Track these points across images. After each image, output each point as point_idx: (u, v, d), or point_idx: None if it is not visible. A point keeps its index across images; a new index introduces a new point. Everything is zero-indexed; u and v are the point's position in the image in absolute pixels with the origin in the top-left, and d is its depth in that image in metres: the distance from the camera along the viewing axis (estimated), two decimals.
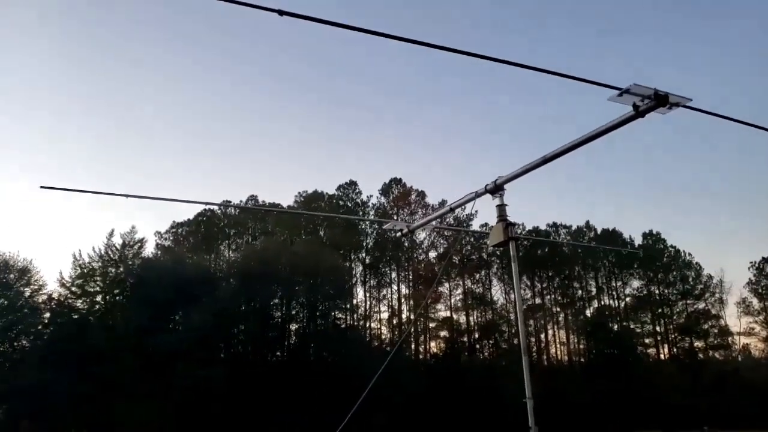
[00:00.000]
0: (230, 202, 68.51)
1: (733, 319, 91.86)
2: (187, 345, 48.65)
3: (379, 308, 71.39)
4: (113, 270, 59.14)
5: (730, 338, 78.43)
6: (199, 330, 49.52)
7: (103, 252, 59.04)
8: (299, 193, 71.97)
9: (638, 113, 3.99)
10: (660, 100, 3.87)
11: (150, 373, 47.13)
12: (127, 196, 7.00)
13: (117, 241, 59.95)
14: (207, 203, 59.04)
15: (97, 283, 58.43)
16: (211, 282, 55.96)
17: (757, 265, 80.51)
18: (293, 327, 62.60)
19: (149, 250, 64.83)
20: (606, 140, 4.39)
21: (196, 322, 50.34)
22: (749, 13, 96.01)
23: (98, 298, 58.88)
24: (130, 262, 59.94)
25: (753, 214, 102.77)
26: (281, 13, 3.22)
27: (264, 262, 55.73)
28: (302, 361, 56.93)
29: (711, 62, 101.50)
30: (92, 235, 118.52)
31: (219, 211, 70.94)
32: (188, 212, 72.53)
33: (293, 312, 62.09)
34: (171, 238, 69.96)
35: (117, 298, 59.04)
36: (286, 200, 75.07)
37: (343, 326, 63.58)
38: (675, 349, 78.80)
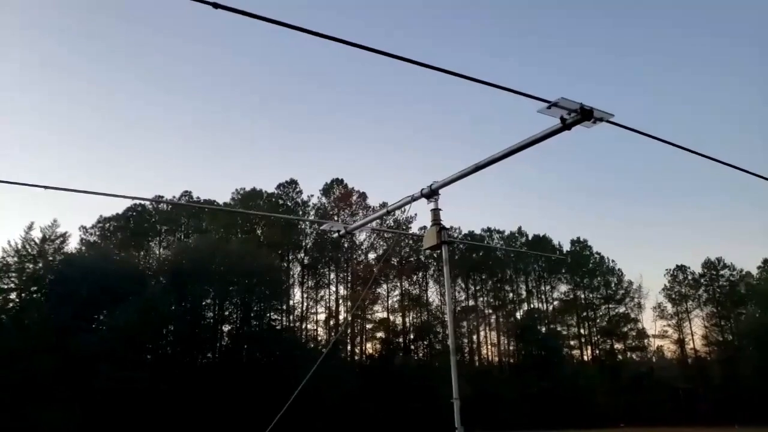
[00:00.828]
0: (162, 197, 66.41)
1: (649, 322, 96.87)
2: (111, 346, 46.60)
3: (317, 309, 71.08)
4: (31, 266, 55.91)
5: (646, 340, 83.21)
6: (125, 330, 47.51)
7: (20, 246, 55.73)
8: (236, 190, 70.62)
9: (565, 126, 4.10)
10: (585, 115, 4.00)
11: (69, 375, 44.82)
12: (47, 187, 6.58)
13: (36, 235, 56.85)
14: (137, 198, 56.48)
15: (12, 279, 55.01)
16: (139, 280, 53.87)
17: (671, 272, 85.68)
18: (226, 328, 61.19)
19: (73, 245, 61.95)
20: (538, 149, 4.60)
21: (121, 321, 48.28)
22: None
23: (12, 296, 55.42)
24: (50, 258, 56.81)
25: (669, 225, 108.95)
26: (216, 6, 3.10)
27: (197, 261, 54.29)
28: (235, 362, 55.78)
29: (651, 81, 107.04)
30: (8, 228, 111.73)
31: (150, 207, 68.63)
32: (117, 206, 69.47)
33: (226, 313, 60.73)
34: (97, 233, 66.81)
35: (34, 295, 55.76)
36: (223, 197, 73.51)
37: (278, 327, 62.78)
38: (597, 351, 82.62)
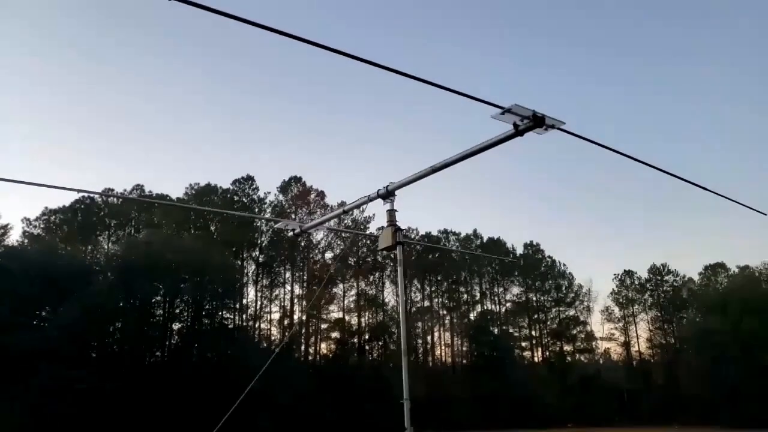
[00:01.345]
0: (112, 190, 64.36)
1: (597, 325, 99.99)
2: (53, 343, 44.81)
3: (271, 309, 70.19)
4: None
5: (594, 343, 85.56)
6: (69, 327, 45.79)
7: None
8: (191, 185, 68.97)
9: (518, 132, 4.15)
10: (537, 122, 4.05)
11: (7, 374, 42.86)
12: None
13: None
14: (85, 191, 54.34)
15: None
16: (86, 275, 52.00)
17: (619, 277, 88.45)
18: (176, 326, 59.70)
19: (14, 237, 59.52)
20: (497, 152, 4.64)
21: (65, 318, 46.54)
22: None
23: None
24: None
25: (618, 231, 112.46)
26: None
27: (147, 256, 52.76)
28: (184, 361, 54.55)
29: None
30: None
31: (99, 200, 66.41)
32: (63, 199, 67.04)
33: (177, 310, 59.24)
34: (42, 225, 64.28)
35: None
36: (176, 192, 71.81)
37: (230, 326, 61.72)
38: (547, 353, 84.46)
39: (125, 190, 66.70)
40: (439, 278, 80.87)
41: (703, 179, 5.33)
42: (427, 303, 79.65)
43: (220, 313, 61.34)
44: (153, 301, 57.65)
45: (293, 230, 7.64)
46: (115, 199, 65.92)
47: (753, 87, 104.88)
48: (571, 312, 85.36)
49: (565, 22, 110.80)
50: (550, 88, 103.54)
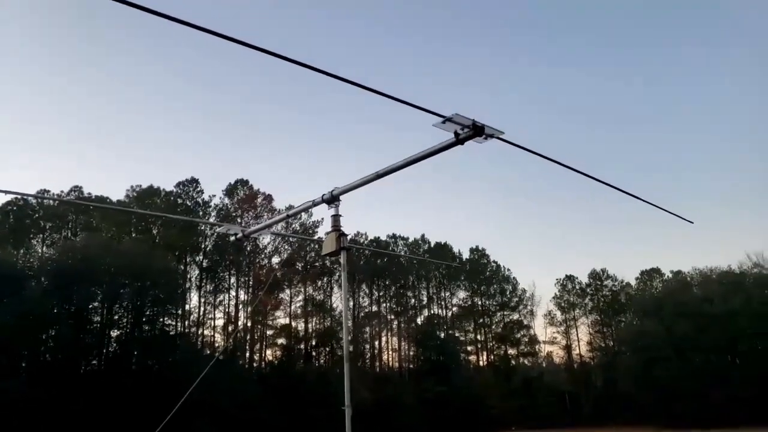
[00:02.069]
0: (48, 191, 61.60)
1: (540, 329, 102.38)
2: None
3: (214, 315, 68.64)
4: None
5: (537, 346, 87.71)
6: None
7: None
8: (132, 186, 66.64)
9: (458, 140, 4.24)
10: (477, 130, 4.16)
11: None
12: None
13: None
14: (17, 193, 51.52)
15: None
16: (17, 281, 49.41)
17: (561, 281, 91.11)
18: (114, 333, 57.52)
19: None
20: (443, 159, 4.71)
21: None
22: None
23: None
24: None
25: (560, 237, 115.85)
26: None
27: (85, 261, 50.71)
28: (123, 370, 52.59)
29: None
30: None
31: (34, 201, 63.31)
32: None
33: (116, 317, 57.07)
34: None
35: None
36: (117, 194, 69.50)
37: (172, 333, 59.99)
38: (492, 356, 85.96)
39: (62, 192, 64.06)
40: (387, 283, 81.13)
41: (638, 189, 5.54)
42: (375, 308, 79.77)
43: (161, 320, 59.51)
44: (90, 307, 55.31)
45: (235, 235, 7.48)
46: (51, 201, 63.10)
47: (686, 100, 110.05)
48: (515, 316, 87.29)
49: (509, 34, 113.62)
50: (497, 99, 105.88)
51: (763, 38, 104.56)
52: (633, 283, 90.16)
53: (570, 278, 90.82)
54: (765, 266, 72.34)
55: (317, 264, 72.15)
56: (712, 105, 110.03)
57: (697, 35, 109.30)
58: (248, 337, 67.54)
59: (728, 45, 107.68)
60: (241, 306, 68.90)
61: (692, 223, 6.76)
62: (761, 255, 72.57)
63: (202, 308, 67.51)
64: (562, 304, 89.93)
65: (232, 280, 70.02)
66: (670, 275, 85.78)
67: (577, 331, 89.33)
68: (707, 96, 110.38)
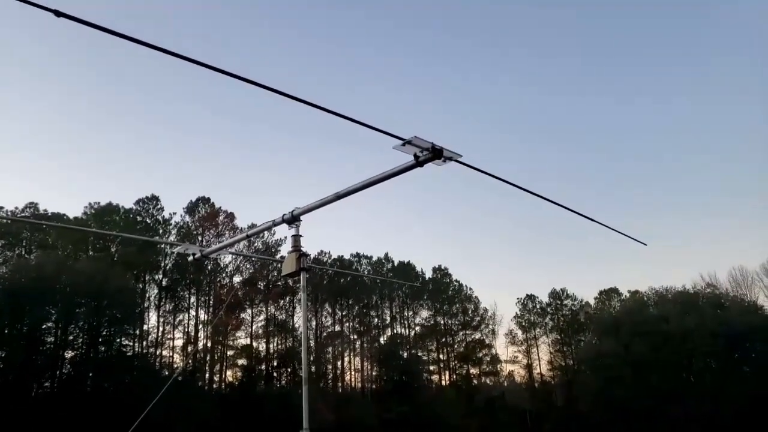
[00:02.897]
0: (1, 208, 59.67)
1: (501, 348, 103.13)
2: None
3: (174, 335, 67.04)
4: None
5: (499, 365, 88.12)
6: None
7: None
8: (90, 204, 65.12)
9: (418, 163, 4.33)
10: (436, 153, 4.25)
11: None
12: None
13: None
14: None
15: None
16: None
17: (522, 300, 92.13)
18: (69, 354, 55.64)
19: None
20: (405, 179, 4.77)
21: None
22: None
23: None
24: None
25: (521, 257, 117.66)
26: (58, 14, 2.94)
27: (38, 280, 49.09)
28: (77, 392, 50.83)
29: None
30: None
31: None
32: None
33: (70, 337, 55.24)
34: None
35: None
36: (75, 211, 67.67)
37: (129, 354, 58.40)
38: (455, 376, 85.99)
39: (16, 209, 62.01)
40: (350, 302, 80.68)
41: (595, 211, 5.85)
42: (338, 327, 79.11)
43: (118, 340, 57.87)
44: (44, 327, 53.53)
45: (194, 255, 7.37)
46: (4, 219, 61.11)
47: (641, 121, 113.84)
48: (477, 335, 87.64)
49: (468, 56, 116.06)
50: (458, 121, 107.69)
51: (714, 56, 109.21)
52: (592, 302, 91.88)
53: (530, 297, 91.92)
54: (717, 287, 74.91)
55: (279, 283, 71.30)
56: (666, 125, 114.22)
57: (654, 54, 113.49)
58: (208, 358, 66.20)
59: (675, 64, 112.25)
60: (201, 325, 67.64)
61: (645, 245, 6.99)
62: (713, 276, 75.12)
63: (160, 328, 65.99)
64: (523, 324, 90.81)
65: (192, 299, 68.75)
66: (628, 295, 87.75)
67: (537, 350, 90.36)
68: (662, 116, 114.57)
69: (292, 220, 5.76)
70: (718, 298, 72.97)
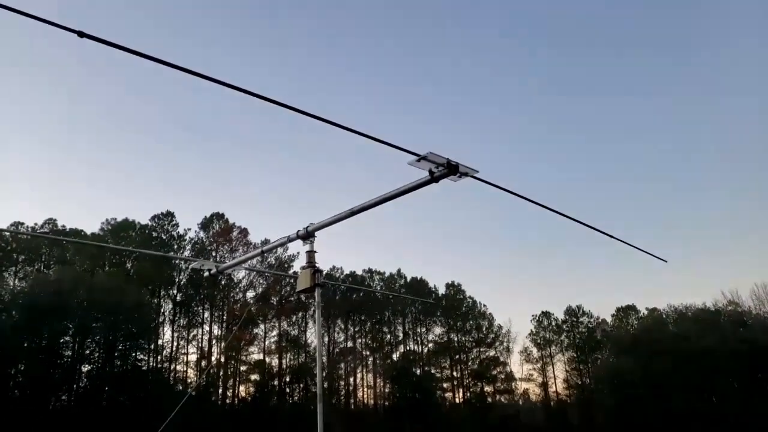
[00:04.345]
0: (22, 224, 60.81)
1: (516, 365, 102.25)
2: None
3: (188, 350, 67.36)
4: None
5: (513, 383, 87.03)
6: None
7: None
8: (107, 220, 66.13)
9: (433, 179, 4.29)
10: (451, 169, 4.20)
11: None
12: None
13: None
14: None
15: None
16: None
17: (537, 318, 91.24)
18: (86, 368, 56.19)
19: None
20: (418, 195, 4.72)
21: None
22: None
23: None
24: None
25: (536, 273, 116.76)
26: (81, 35, 3.01)
27: (57, 294, 49.81)
28: (94, 406, 51.22)
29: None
30: None
31: (7, 234, 62.26)
32: None
33: (87, 351, 55.86)
34: None
35: None
36: (92, 227, 68.58)
37: (144, 368, 58.77)
38: (468, 393, 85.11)
39: (36, 225, 63.23)
40: (362, 318, 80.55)
41: (613, 227, 5.73)
42: (350, 343, 78.96)
43: (133, 355, 58.35)
44: (61, 341, 54.20)
45: (209, 270, 7.41)
46: (24, 235, 62.16)
47: (661, 139, 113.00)
48: (492, 353, 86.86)
49: (484, 75, 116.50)
50: (472, 138, 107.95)
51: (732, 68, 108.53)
52: (609, 319, 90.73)
53: (546, 314, 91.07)
54: (740, 304, 73.30)
55: (292, 299, 71.57)
56: (685, 143, 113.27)
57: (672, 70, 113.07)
58: (221, 373, 66.33)
59: (697, 81, 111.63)
60: (214, 341, 67.92)
61: (666, 261, 6.84)
62: (736, 293, 73.53)
63: (175, 343, 66.39)
64: (538, 341, 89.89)
65: (206, 314, 69.12)
66: (646, 312, 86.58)
67: (553, 368, 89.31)
68: (681, 134, 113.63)
69: (307, 236, 5.79)
70: (740, 315, 71.33)
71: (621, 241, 6.08)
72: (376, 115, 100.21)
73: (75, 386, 54.90)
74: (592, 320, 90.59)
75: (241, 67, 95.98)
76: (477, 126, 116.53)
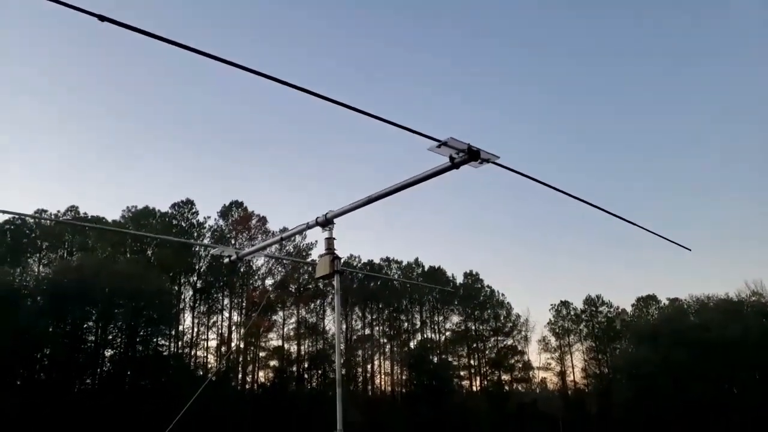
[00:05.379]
0: (45, 211, 61.84)
1: (534, 354, 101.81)
2: None
3: (208, 336, 68.29)
4: None
5: (531, 372, 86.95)
6: None
7: None
8: (128, 207, 66.92)
9: (453, 165, 4.20)
10: (472, 155, 4.10)
11: None
12: None
13: None
14: (15, 213, 51.71)
15: None
16: (13, 299, 49.42)
17: (556, 307, 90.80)
18: (108, 352, 57.37)
19: None
20: (437, 183, 4.63)
21: None
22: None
23: None
24: None
25: (555, 262, 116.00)
26: (102, 18, 3.00)
27: (80, 281, 50.71)
28: (117, 389, 52.33)
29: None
30: None
31: (31, 221, 63.44)
32: None
33: (110, 336, 56.98)
34: None
35: None
36: (112, 215, 69.64)
37: (165, 353, 59.76)
38: (485, 382, 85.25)
39: (59, 212, 64.27)
40: (380, 306, 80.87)
41: (635, 215, 5.60)
42: (367, 331, 79.41)
43: (155, 340, 59.30)
44: (85, 326, 55.34)
45: (229, 257, 7.45)
46: (48, 221, 63.27)
47: (688, 127, 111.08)
48: (509, 341, 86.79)
49: (507, 60, 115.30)
50: (492, 124, 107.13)
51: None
52: (629, 309, 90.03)
53: (565, 304, 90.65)
54: (764, 295, 72.07)
55: (310, 286, 72.04)
56: (711, 132, 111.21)
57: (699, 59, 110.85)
58: (241, 359, 67.17)
59: (729, 67, 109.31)
60: (234, 327, 68.75)
61: (690, 250, 6.68)
62: (760, 283, 72.27)
63: (195, 329, 67.35)
64: (557, 330, 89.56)
65: (226, 301, 69.92)
66: (667, 302, 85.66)
67: (571, 357, 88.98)
68: (708, 123, 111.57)
69: (326, 223, 5.76)
70: (764, 306, 70.09)
71: (645, 229, 5.93)
72: (396, 101, 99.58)
73: (98, 370, 56.13)
74: (611, 310, 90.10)
75: (257, 51, 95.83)
76: (498, 112, 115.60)
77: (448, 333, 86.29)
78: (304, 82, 3.59)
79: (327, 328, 73.18)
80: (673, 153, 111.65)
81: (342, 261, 5.93)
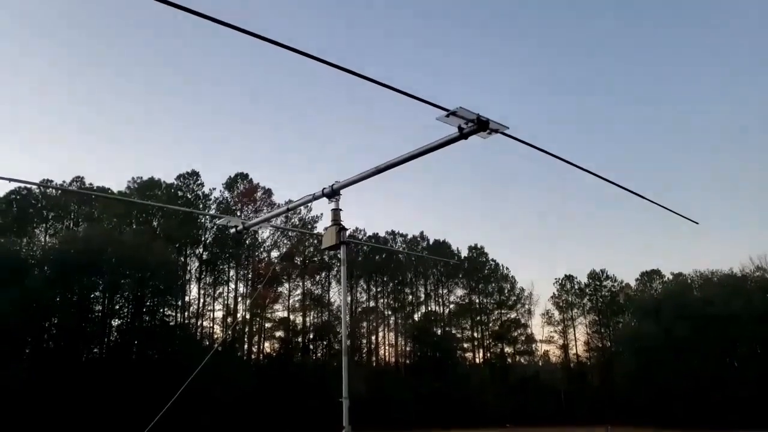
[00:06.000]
0: (51, 181, 61.80)
1: (537, 328, 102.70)
2: None
3: (214, 307, 68.91)
4: None
5: (534, 345, 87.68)
6: (1, 322, 43.86)
7: None
8: (133, 178, 66.76)
9: (462, 135, 4.17)
10: (481, 125, 4.08)
11: None
12: None
13: None
14: (22, 181, 52.11)
15: None
16: (20, 269, 49.77)
17: (560, 281, 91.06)
18: (115, 322, 57.97)
19: None
20: (442, 155, 4.59)
21: None
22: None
23: None
24: None
25: (560, 236, 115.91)
26: None
27: (86, 251, 50.99)
28: (123, 359, 53.03)
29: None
30: None
31: (37, 191, 63.58)
32: None
33: (117, 306, 57.48)
34: None
35: None
36: (118, 185, 69.67)
37: (171, 324, 60.37)
38: (489, 354, 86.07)
39: (64, 182, 64.27)
40: (385, 279, 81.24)
41: (641, 187, 5.54)
42: (372, 303, 79.98)
43: (161, 310, 59.91)
44: (92, 296, 55.81)
45: (236, 227, 7.52)
46: (53, 191, 63.36)
47: (696, 97, 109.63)
48: (513, 315, 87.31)
49: (519, 30, 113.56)
50: (499, 93, 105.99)
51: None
52: (632, 284, 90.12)
53: (569, 278, 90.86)
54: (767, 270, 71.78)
55: (316, 259, 72.34)
56: (721, 105, 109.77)
57: (705, 34, 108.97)
58: (247, 330, 67.86)
59: (734, 44, 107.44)
60: (240, 298, 69.27)
61: (697, 223, 6.65)
62: (765, 258, 71.94)
63: (201, 300, 67.89)
64: (561, 304, 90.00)
65: (231, 272, 70.29)
66: (671, 277, 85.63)
67: (574, 330, 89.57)
68: (717, 96, 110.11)
69: (332, 194, 5.77)
70: (767, 281, 70.11)
71: (652, 201, 5.91)
72: (404, 69, 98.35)
73: (106, 339, 56.78)
74: (615, 284, 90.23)
75: (262, 18, 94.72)
76: (506, 83, 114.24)
77: (452, 306, 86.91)
78: (310, 48, 3.49)
79: (332, 300, 73.80)
80: (685, 125, 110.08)
81: (347, 233, 5.89)
